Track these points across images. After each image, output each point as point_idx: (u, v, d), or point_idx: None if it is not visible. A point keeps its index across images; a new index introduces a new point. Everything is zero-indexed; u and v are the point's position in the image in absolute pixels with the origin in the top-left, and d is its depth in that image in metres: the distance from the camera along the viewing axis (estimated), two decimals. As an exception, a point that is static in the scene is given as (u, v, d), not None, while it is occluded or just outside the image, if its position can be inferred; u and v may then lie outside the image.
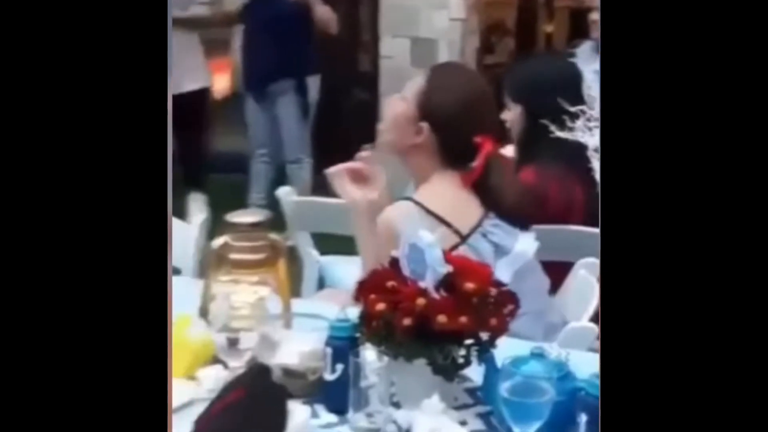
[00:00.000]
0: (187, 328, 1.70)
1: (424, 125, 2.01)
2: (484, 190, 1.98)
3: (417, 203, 1.95)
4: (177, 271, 2.32)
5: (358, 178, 2.07)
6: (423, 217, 1.91)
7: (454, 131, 1.99)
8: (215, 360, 1.66)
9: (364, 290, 1.60)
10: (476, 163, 1.96)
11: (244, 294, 1.68)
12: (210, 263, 1.76)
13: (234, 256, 1.73)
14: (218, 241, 1.75)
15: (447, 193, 1.98)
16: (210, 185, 5.04)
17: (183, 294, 1.86)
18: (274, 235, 1.76)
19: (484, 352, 1.59)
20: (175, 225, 2.43)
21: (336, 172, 2.08)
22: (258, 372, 1.57)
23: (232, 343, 1.60)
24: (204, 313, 1.72)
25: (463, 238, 1.93)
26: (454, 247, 1.87)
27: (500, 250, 1.95)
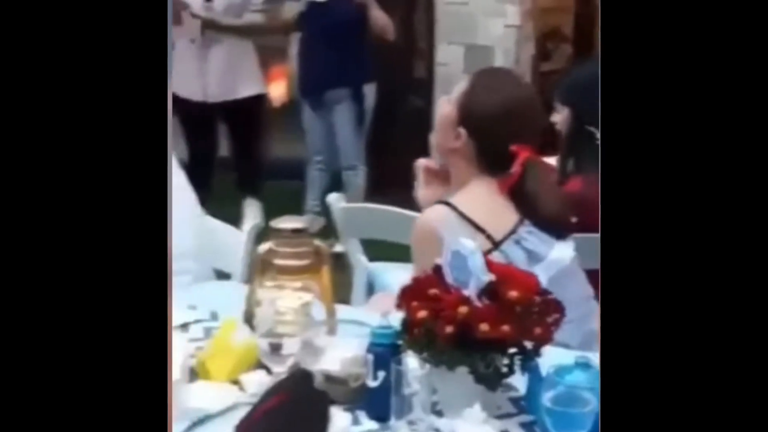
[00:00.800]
0: (232, 332, 1.72)
1: (462, 130, 1.99)
2: (521, 196, 1.96)
3: (453, 207, 1.94)
4: (227, 276, 2.35)
5: (440, 176, 2.08)
6: (459, 221, 1.90)
7: (492, 137, 1.97)
8: (259, 365, 1.67)
9: (406, 297, 1.59)
10: (513, 170, 1.94)
11: (288, 299, 1.69)
12: (255, 269, 1.78)
13: (278, 261, 1.74)
14: (263, 247, 1.77)
15: (483, 199, 1.97)
16: (266, 192, 5.08)
17: (232, 299, 1.88)
18: (318, 242, 1.77)
19: (528, 361, 1.57)
20: (226, 230, 2.45)
21: (418, 164, 2.10)
22: (300, 377, 1.57)
23: (275, 348, 1.60)
24: (248, 317, 1.74)
25: (496, 245, 1.91)
26: (487, 253, 1.86)
27: (534, 257, 1.92)
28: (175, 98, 4.88)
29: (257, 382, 1.64)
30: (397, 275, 2.48)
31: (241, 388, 1.65)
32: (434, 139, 2.08)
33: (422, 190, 2.10)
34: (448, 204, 1.95)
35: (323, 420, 1.52)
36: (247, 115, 5.01)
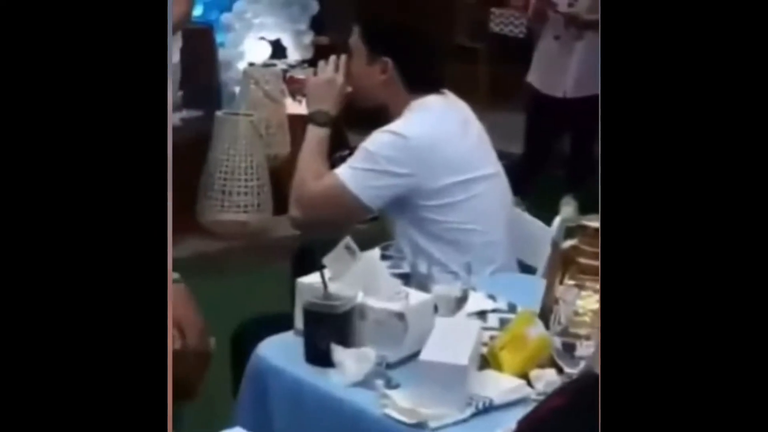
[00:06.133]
0: (527, 326, 1.69)
1: None
2: None
3: None
4: (532, 270, 2.32)
5: None
6: None
7: None
8: (551, 363, 1.63)
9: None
10: None
11: (588, 300, 1.64)
12: (557, 265, 1.74)
13: (582, 260, 1.69)
14: (568, 243, 1.72)
15: None
16: (588, 191, 4.98)
17: (532, 293, 1.86)
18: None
19: None
20: (536, 224, 2.43)
21: None
22: (592, 382, 1.51)
23: (569, 348, 1.56)
24: (545, 313, 1.70)
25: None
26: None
27: None
28: (536, 93, 4.93)
29: (546, 380, 1.60)
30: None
31: (529, 384, 1.62)
32: None
33: None
34: None
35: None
36: (594, 113, 4.90)
